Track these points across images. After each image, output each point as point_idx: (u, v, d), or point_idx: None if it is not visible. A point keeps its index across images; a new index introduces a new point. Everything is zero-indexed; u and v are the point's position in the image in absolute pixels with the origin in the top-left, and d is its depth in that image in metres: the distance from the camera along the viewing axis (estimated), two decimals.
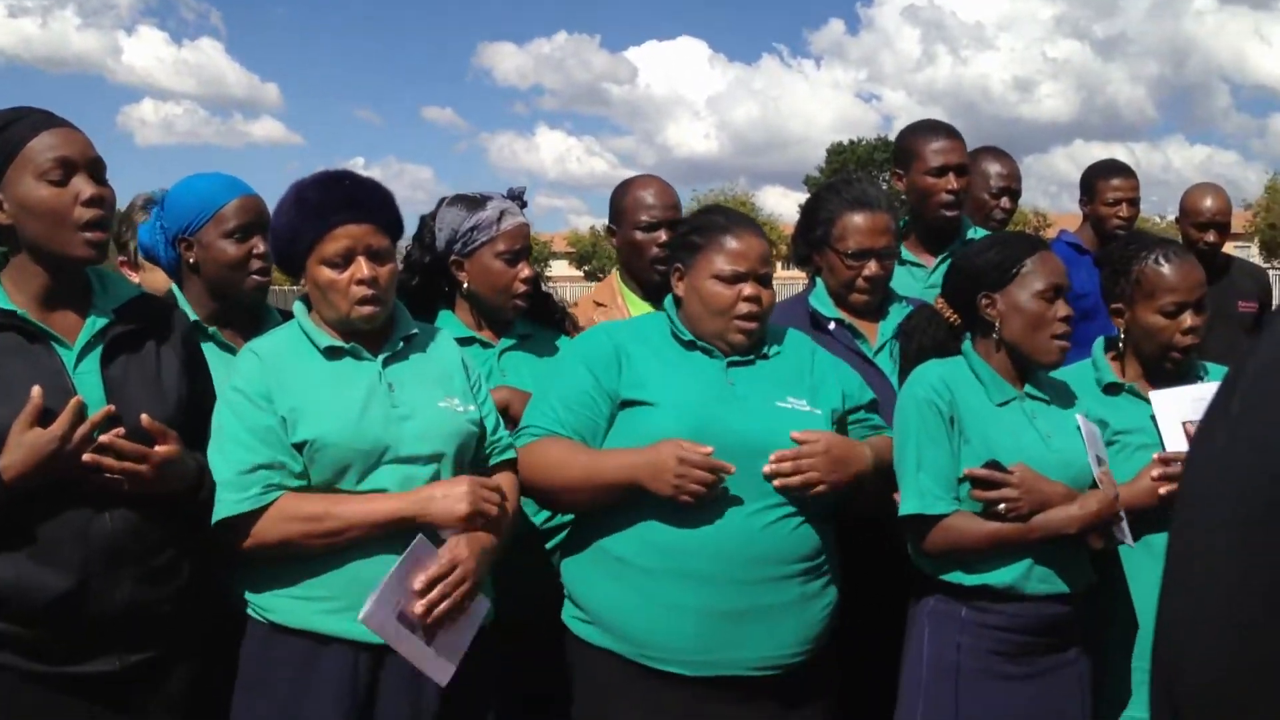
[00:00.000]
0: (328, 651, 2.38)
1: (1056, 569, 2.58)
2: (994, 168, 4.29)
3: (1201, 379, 2.85)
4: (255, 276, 2.80)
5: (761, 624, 2.49)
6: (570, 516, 2.79)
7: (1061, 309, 2.66)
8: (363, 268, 2.44)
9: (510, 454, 2.63)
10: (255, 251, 2.78)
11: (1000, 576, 2.57)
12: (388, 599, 2.35)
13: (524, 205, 3.02)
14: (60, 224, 2.20)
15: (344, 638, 2.38)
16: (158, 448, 2.22)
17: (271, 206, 2.93)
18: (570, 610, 2.66)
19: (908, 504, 2.62)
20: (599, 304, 3.62)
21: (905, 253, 3.69)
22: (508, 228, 2.92)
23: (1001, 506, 2.54)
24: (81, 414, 2.15)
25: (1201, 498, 0.94)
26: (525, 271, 2.94)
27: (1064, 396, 2.79)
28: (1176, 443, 2.73)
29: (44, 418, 2.12)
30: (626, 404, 2.60)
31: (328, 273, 2.45)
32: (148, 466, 2.20)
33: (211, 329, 2.78)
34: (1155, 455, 2.71)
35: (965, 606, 2.59)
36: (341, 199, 2.46)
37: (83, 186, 2.21)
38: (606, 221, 3.74)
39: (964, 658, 2.57)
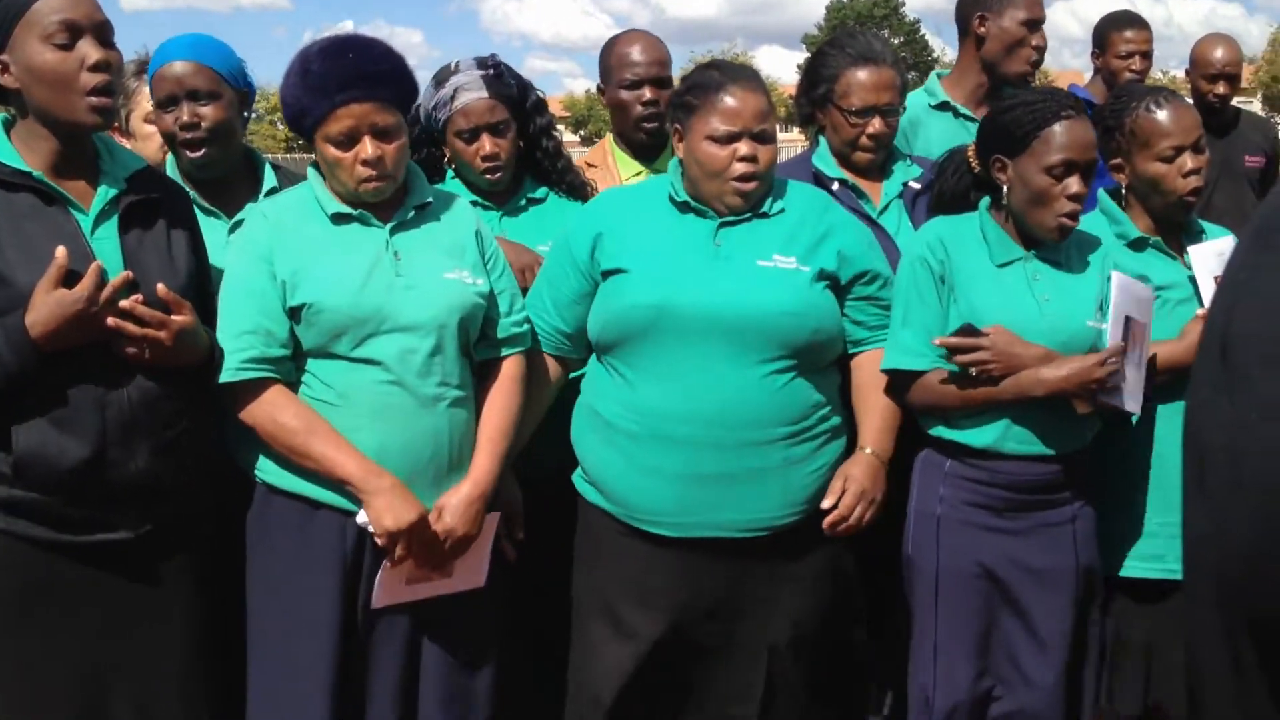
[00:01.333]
0: (318, 516, 2.43)
1: (1037, 430, 2.59)
2: None
3: (1202, 235, 2.82)
4: (187, 152, 2.74)
5: (743, 488, 2.50)
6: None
7: (1073, 185, 2.56)
8: (367, 147, 2.39)
9: (521, 346, 2.61)
10: (181, 121, 2.71)
11: (978, 437, 2.61)
12: (388, 583, 2.41)
13: (498, 74, 2.93)
14: (66, 89, 2.17)
15: (332, 505, 2.42)
16: (174, 317, 2.23)
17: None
18: (578, 470, 2.71)
19: (889, 358, 2.66)
20: (590, 165, 3.57)
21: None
22: (460, 105, 2.88)
23: (973, 370, 2.55)
24: (103, 278, 2.15)
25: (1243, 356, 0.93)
26: (486, 148, 2.88)
27: (1086, 258, 2.71)
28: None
29: (65, 280, 2.12)
30: (607, 274, 2.60)
31: (333, 151, 2.41)
32: (166, 333, 2.20)
33: (191, 193, 2.72)
34: (1198, 313, 2.70)
35: (950, 460, 2.65)
36: (346, 74, 2.38)
37: (89, 51, 2.17)
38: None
39: (944, 508, 2.64)
